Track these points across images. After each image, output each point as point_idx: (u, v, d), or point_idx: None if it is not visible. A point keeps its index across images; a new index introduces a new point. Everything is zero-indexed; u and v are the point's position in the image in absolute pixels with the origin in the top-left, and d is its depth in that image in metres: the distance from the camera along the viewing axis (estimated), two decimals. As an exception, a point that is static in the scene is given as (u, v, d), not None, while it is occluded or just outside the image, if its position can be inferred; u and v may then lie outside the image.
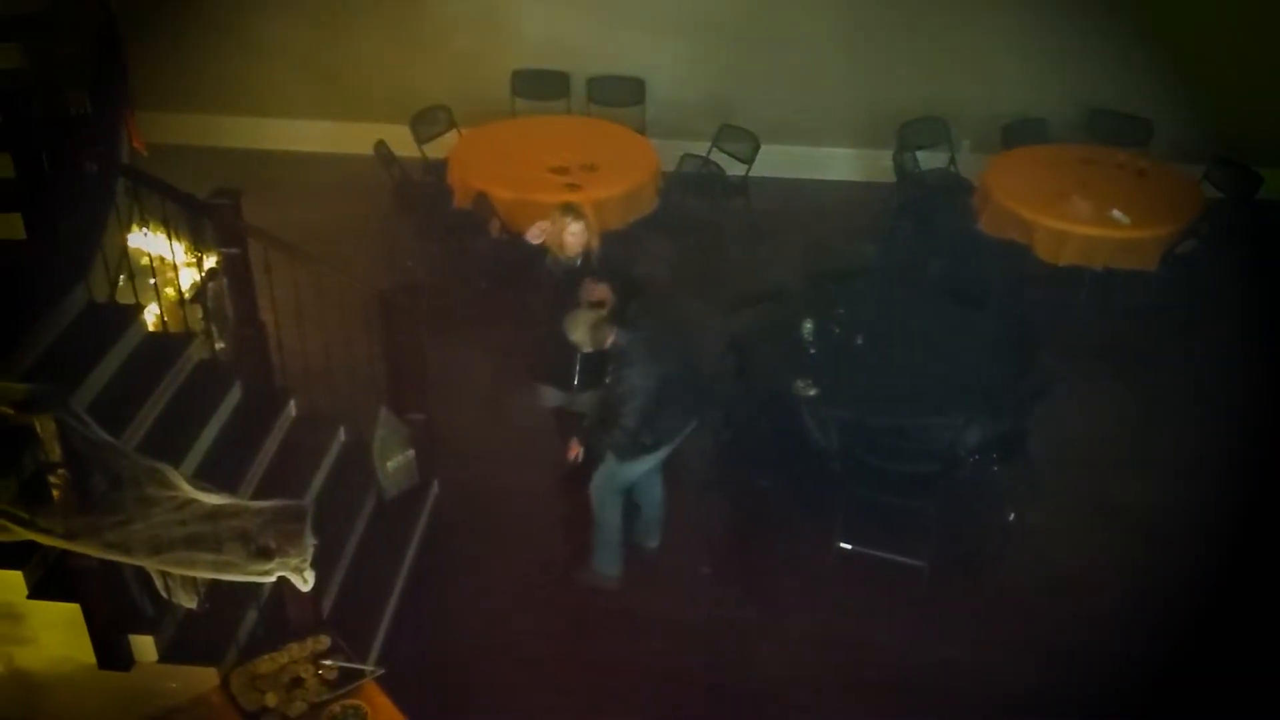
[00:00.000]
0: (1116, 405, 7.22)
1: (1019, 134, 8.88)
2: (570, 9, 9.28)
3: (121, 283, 6.11)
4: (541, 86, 9.30)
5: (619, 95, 9.27)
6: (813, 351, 6.27)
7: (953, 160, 8.98)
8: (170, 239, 5.95)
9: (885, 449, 5.76)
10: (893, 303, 6.92)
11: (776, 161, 8.94)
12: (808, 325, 6.31)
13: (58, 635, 4.65)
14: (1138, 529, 6.25)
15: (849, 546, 5.93)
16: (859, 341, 6.36)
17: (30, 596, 4.63)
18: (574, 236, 5.73)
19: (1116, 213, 7.69)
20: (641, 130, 9.02)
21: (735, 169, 8.56)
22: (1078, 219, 7.67)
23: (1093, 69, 8.96)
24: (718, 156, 8.61)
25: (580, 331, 5.36)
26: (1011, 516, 6.25)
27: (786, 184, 9.26)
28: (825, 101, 9.41)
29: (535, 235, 5.87)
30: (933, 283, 7.54)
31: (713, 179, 8.46)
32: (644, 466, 5.69)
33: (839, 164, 9.60)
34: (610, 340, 5.37)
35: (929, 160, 8.85)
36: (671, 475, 5.95)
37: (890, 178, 8.80)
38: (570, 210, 5.78)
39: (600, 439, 5.62)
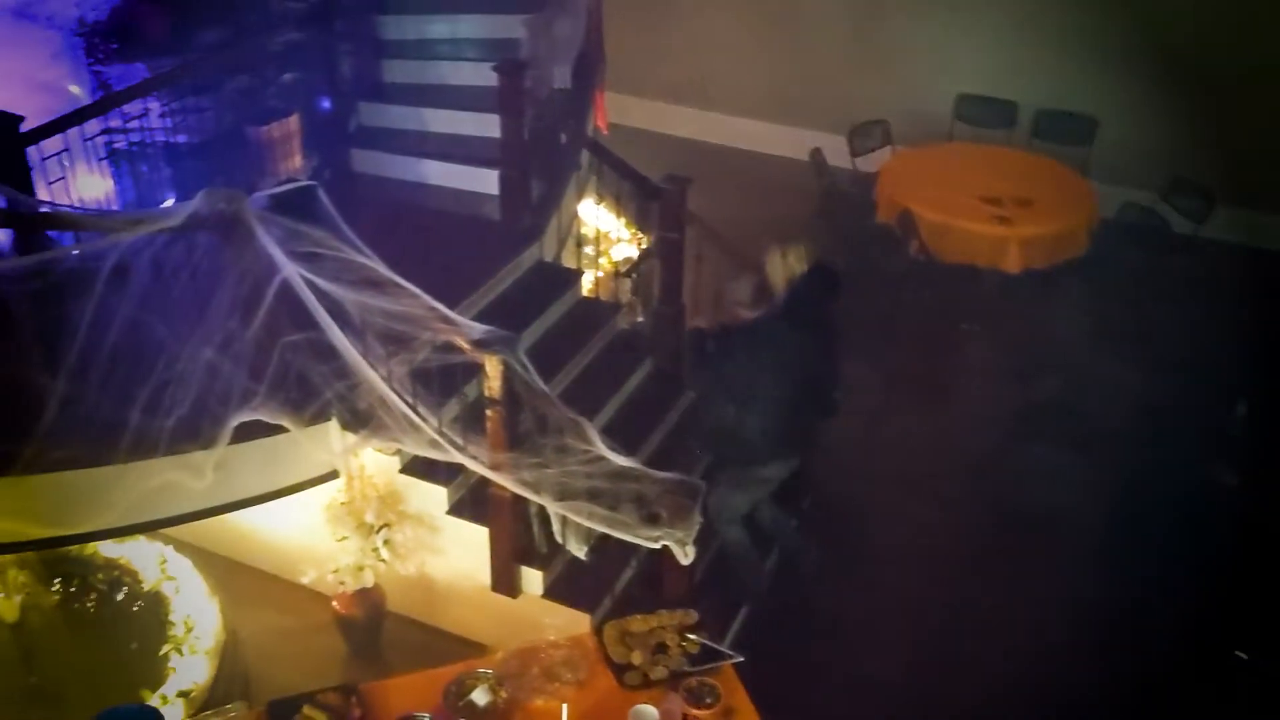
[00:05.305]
0: None
1: None
2: (1030, 38, 9.00)
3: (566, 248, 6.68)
4: (985, 113, 9.09)
5: (1066, 132, 8.88)
6: (1239, 435, 5.78)
7: None
8: (616, 214, 6.41)
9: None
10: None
11: (1230, 224, 8.24)
12: (1241, 407, 5.83)
13: (463, 553, 5.17)
14: None
15: (1244, 656, 5.43)
16: (1298, 436, 5.80)
17: (448, 513, 5.19)
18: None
19: None
20: (1085, 171, 8.61)
21: (1180, 225, 7.98)
22: None
23: None
24: (1163, 210, 8.07)
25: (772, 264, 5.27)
26: None
27: (1238, 250, 8.50)
28: (1300, 167, 8.56)
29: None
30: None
31: (1154, 232, 7.92)
32: (749, 494, 5.41)
33: (1305, 238, 8.71)
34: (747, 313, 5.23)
35: None
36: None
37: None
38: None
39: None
